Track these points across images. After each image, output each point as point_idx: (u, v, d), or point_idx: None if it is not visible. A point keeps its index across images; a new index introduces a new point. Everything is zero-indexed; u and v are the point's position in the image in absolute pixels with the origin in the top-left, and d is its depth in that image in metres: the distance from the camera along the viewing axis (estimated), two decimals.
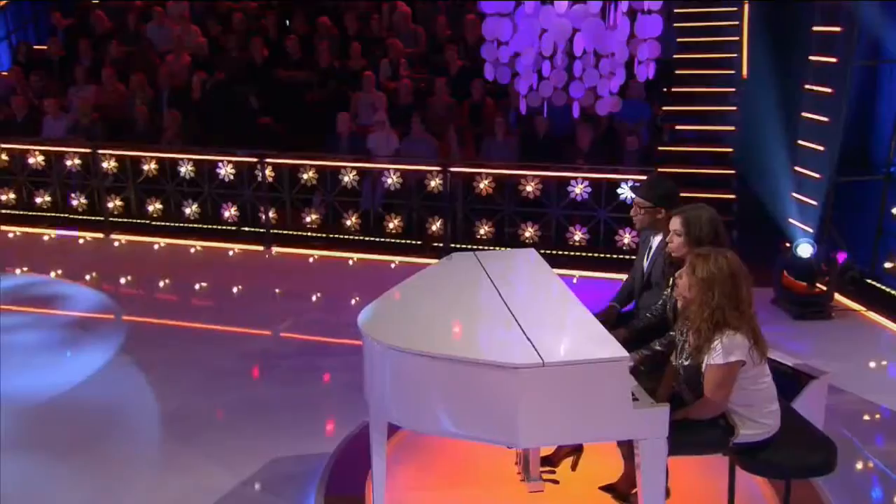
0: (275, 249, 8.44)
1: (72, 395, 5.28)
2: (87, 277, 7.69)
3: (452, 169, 7.80)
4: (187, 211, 8.77)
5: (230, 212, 8.65)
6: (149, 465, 4.51)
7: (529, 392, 2.99)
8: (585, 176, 7.43)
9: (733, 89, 9.42)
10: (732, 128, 9.05)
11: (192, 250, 8.55)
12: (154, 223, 8.89)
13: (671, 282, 3.70)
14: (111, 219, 9.01)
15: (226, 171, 8.54)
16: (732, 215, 8.32)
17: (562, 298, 3.70)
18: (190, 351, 6.01)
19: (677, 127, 9.10)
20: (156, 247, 8.64)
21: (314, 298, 7.27)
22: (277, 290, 7.46)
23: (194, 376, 5.58)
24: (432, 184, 7.90)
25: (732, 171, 8.54)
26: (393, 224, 8.16)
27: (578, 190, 7.48)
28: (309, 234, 8.42)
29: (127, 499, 4.17)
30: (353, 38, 10.68)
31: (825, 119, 6.52)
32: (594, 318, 3.43)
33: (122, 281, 7.71)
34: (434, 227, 8.01)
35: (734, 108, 9.21)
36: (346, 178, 8.17)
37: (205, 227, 8.77)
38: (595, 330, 3.28)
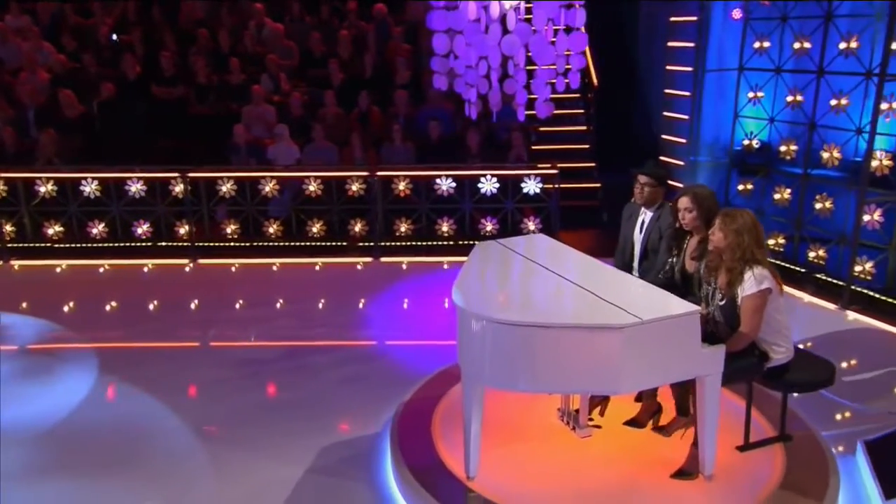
0: (195, 262, 7.95)
1: (80, 419, 4.79)
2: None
3: (379, 173, 7.85)
4: (94, 231, 7.96)
5: (142, 228, 7.99)
6: (204, 472, 4.24)
7: (630, 346, 3.33)
8: (494, 173, 7.84)
9: (577, 95, 10.34)
10: (585, 127, 9.98)
11: (101, 269, 7.79)
12: (56, 246, 7.98)
13: (676, 249, 4.21)
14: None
15: (136, 187, 7.88)
16: (598, 200, 9.24)
17: (602, 268, 4.07)
18: (165, 368, 5.56)
19: (540, 129, 9.81)
20: (58, 269, 7.78)
21: (258, 305, 6.95)
22: (205, 301, 7.01)
23: (190, 390, 5.24)
24: (354, 187, 7.90)
25: (594, 164, 9.43)
26: (316, 228, 8.03)
27: (488, 186, 7.87)
28: (231, 244, 8.02)
29: None
30: (227, 53, 10.26)
31: (685, 117, 7.47)
32: (645, 282, 3.85)
33: (58, 307, 6.84)
34: (357, 228, 8.00)
35: (582, 111, 10.15)
36: (266, 188, 7.91)
37: (115, 245, 8.02)
38: (656, 290, 3.69)
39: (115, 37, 10.50)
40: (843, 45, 6.67)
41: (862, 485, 3.98)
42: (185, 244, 8.01)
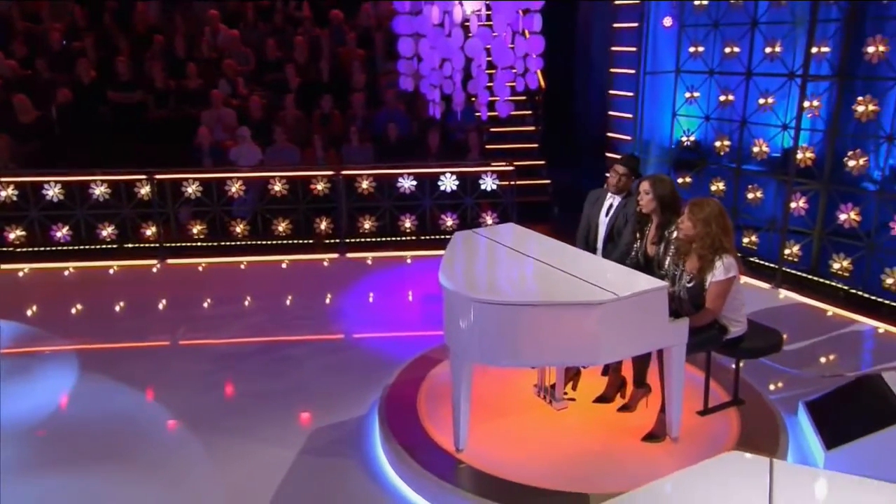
0: (164, 262, 7.82)
1: (66, 418, 4.70)
2: None
3: (344, 172, 7.89)
4: (58, 234, 7.74)
5: (107, 231, 7.82)
6: (199, 459, 4.23)
7: (607, 320, 3.52)
8: (453, 170, 7.99)
9: (525, 97, 10.60)
10: (533, 128, 10.24)
11: (66, 272, 7.60)
12: (18, 250, 7.73)
13: (639, 234, 4.44)
14: None
15: (100, 190, 7.70)
16: (549, 196, 9.50)
17: (574, 252, 4.28)
18: (144, 366, 5.47)
19: (492, 129, 10.02)
20: (20, 273, 7.53)
21: (230, 303, 6.87)
22: (178, 300, 6.89)
23: (173, 385, 5.18)
24: (319, 186, 7.92)
25: (543, 162, 9.68)
26: (282, 227, 8.02)
27: (448, 183, 8.02)
28: (199, 244, 7.93)
29: (205, 495, 3.94)
30: (183, 59, 10.11)
31: (629, 116, 7.79)
32: (614, 263, 4.06)
33: (25, 310, 6.59)
34: (323, 226, 8.03)
35: (530, 112, 10.41)
36: (233, 189, 7.86)
37: (80, 248, 7.82)
38: (626, 270, 3.91)
39: (63, 43, 10.21)
40: (768, 50, 7.10)
41: (805, 439, 4.29)
42: (153, 245, 7.88)
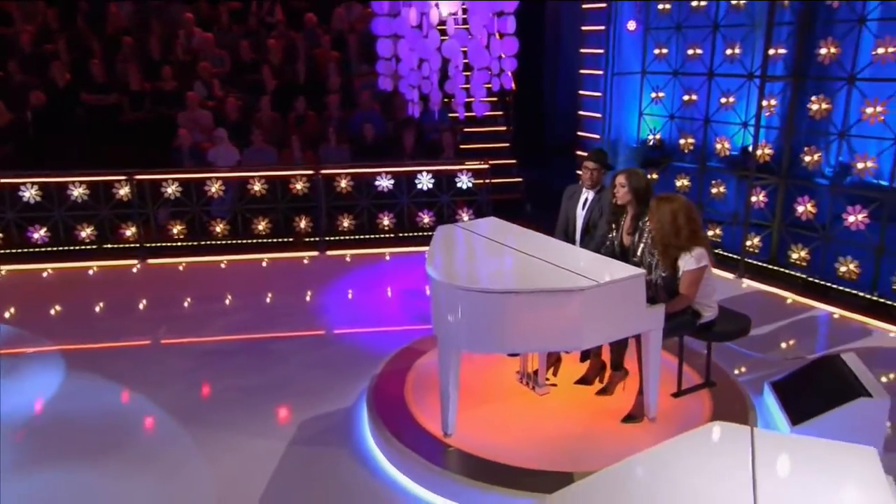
0: (144, 262, 7.73)
1: (57, 416, 4.64)
2: None
3: (323, 172, 7.89)
4: (35, 235, 7.60)
5: (86, 232, 7.69)
6: (191, 452, 4.22)
7: (589, 306, 3.62)
8: (429, 169, 8.05)
9: (496, 98, 10.69)
10: (504, 128, 10.35)
11: (45, 274, 7.46)
12: None
13: (616, 225, 4.57)
14: None
15: (79, 191, 7.58)
16: (520, 193, 9.62)
17: (554, 243, 4.38)
18: (130, 364, 5.40)
19: (465, 129, 10.10)
20: None
21: (212, 301, 6.81)
22: (160, 299, 6.81)
23: (161, 382, 5.13)
24: (298, 186, 7.91)
25: (514, 161, 9.80)
26: (262, 226, 7.99)
27: (425, 181, 8.07)
28: (179, 244, 7.85)
29: (198, 486, 3.94)
30: (158, 61, 9.99)
31: (598, 115, 7.94)
32: (593, 252, 4.17)
33: (2, 311, 6.53)
34: (302, 225, 8.02)
35: (501, 112, 10.51)
36: (213, 189, 7.80)
37: (58, 249, 7.68)
38: (604, 259, 4.02)
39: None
40: (728, 51, 7.31)
41: (772, 416, 4.46)
42: (133, 246, 7.77)
